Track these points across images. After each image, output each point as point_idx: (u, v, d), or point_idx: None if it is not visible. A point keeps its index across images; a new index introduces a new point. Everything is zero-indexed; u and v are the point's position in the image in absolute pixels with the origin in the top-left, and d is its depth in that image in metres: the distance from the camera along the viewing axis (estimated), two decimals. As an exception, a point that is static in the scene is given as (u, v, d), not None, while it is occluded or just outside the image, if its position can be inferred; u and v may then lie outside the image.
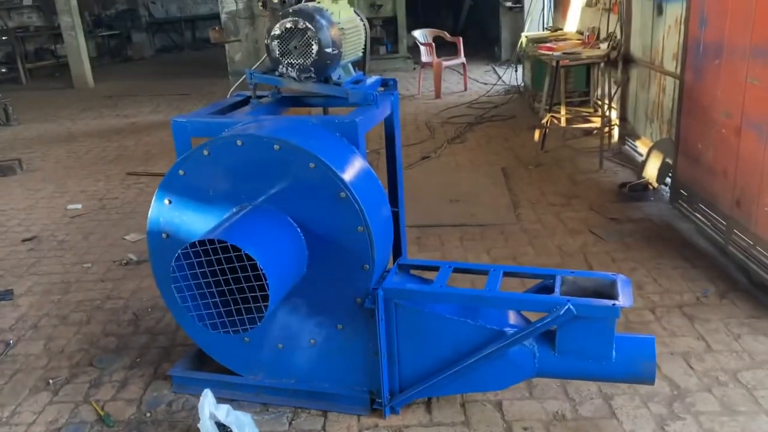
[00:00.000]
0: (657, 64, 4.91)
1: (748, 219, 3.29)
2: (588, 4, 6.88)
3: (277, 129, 2.34)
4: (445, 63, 8.78)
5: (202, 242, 2.05)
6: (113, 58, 15.10)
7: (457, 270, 2.51)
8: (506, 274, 2.44)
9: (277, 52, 2.56)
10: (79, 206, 5.15)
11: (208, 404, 2.28)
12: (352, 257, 2.27)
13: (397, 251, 2.94)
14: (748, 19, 3.22)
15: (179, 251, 2.06)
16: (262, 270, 1.98)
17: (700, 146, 3.81)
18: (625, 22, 5.49)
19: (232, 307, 2.12)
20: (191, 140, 2.53)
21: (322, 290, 2.36)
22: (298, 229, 2.28)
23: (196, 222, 2.37)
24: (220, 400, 2.42)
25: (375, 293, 2.29)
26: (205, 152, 2.32)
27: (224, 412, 2.28)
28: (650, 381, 2.30)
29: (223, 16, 9.49)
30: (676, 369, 2.69)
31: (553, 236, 4.07)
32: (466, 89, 8.89)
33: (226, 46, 9.53)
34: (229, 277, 2.08)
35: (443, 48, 9.19)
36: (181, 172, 2.37)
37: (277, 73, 2.64)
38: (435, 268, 2.51)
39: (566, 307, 2.16)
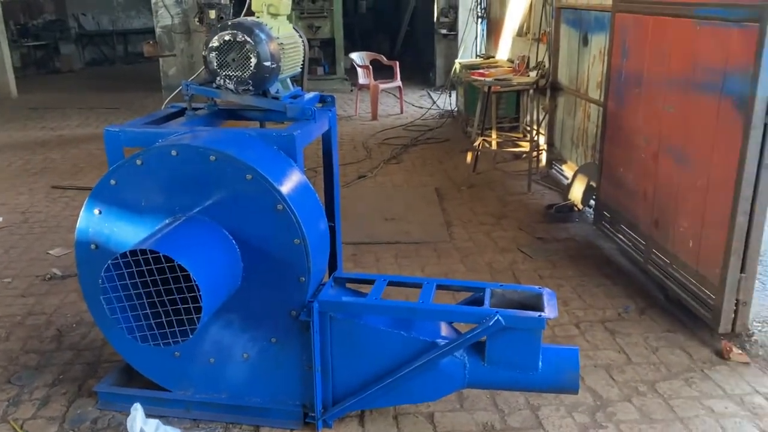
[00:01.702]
0: (582, 92, 5.16)
1: (666, 239, 3.48)
2: (519, 34, 7.17)
3: (214, 140, 2.34)
4: (382, 86, 8.92)
5: (133, 252, 2.01)
6: (39, 69, 14.55)
7: (391, 283, 2.55)
8: (439, 287, 2.50)
9: (215, 64, 2.57)
10: (0, 219, 4.93)
11: (139, 419, 2.22)
12: (288, 270, 2.28)
13: (333, 266, 2.96)
14: (664, 52, 3.45)
15: (109, 262, 2.02)
16: (194, 281, 1.97)
17: (621, 170, 4.02)
18: (553, 52, 5.76)
19: (164, 320, 2.08)
20: (124, 150, 2.49)
21: (256, 303, 2.35)
22: (233, 241, 2.27)
23: (127, 233, 2.33)
24: (148, 416, 2.36)
25: (310, 306, 2.30)
26: (139, 162, 2.29)
27: (153, 427, 2.22)
28: (574, 390, 2.39)
29: (157, 30, 9.37)
30: (598, 380, 2.81)
31: (483, 254, 4.19)
32: (402, 112, 9.04)
33: (160, 60, 9.39)
34: (161, 288, 2.05)
35: (380, 71, 9.34)
36: (112, 182, 2.32)
37: (214, 85, 2.64)
38: (370, 282, 2.55)
39: (495, 318, 2.24)
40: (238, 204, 2.24)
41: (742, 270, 2.97)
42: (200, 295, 1.98)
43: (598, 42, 4.78)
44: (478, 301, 2.46)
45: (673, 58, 3.37)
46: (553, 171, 5.79)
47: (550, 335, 3.15)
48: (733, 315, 3.03)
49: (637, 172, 3.80)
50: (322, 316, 2.32)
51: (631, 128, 3.87)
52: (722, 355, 2.96)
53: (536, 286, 2.49)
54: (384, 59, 9.41)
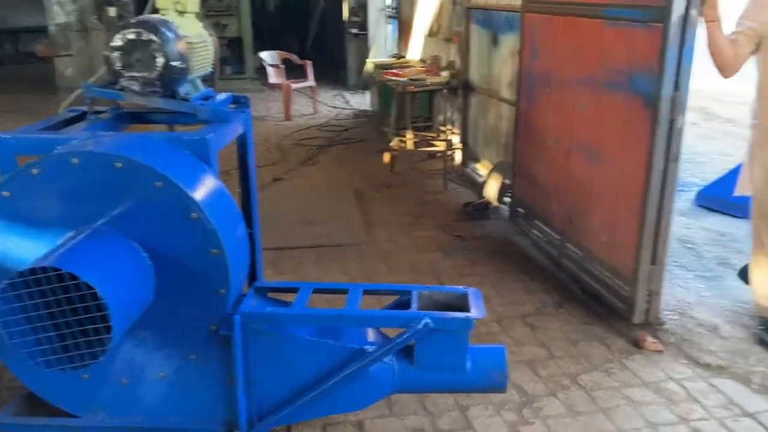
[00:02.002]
0: (494, 92, 5.25)
1: (579, 234, 3.59)
2: (430, 34, 7.24)
3: (119, 145, 2.17)
4: (295, 85, 8.78)
5: (32, 270, 1.83)
6: None
7: (317, 291, 2.47)
8: (366, 292, 2.44)
9: (118, 65, 2.39)
10: None
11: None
12: (205, 282, 2.15)
13: (253, 275, 2.84)
14: (573, 52, 3.54)
15: (5, 282, 1.83)
16: (103, 298, 1.81)
17: (534, 168, 4.11)
18: (465, 52, 5.83)
19: (71, 342, 1.91)
20: (17, 159, 2.28)
21: (172, 318, 2.20)
22: (145, 254, 2.11)
23: (25, 249, 2.12)
24: (54, 446, 2.17)
25: (231, 319, 2.18)
26: (35, 171, 2.08)
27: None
28: (502, 389, 2.40)
29: (51, 28, 8.79)
30: (523, 376, 2.84)
31: (405, 254, 4.17)
32: (315, 112, 8.93)
33: (56, 60, 8.81)
34: (65, 308, 1.88)
35: (290, 71, 9.18)
36: (5, 194, 2.11)
37: (117, 86, 2.46)
38: (294, 290, 2.45)
39: (424, 321, 2.20)
40: (149, 214, 2.09)
41: (653, 261, 3.09)
42: (110, 314, 1.82)
43: (509, 42, 4.88)
44: (405, 304, 2.42)
45: (583, 58, 3.47)
46: (468, 169, 5.87)
47: (473, 333, 3.15)
48: (646, 305, 3.16)
49: (549, 170, 3.90)
50: (245, 329, 2.21)
51: (542, 127, 3.96)
52: (638, 345, 3.07)
53: (462, 287, 2.48)
54: (296, 59, 9.26)
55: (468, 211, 4.83)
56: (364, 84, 9.02)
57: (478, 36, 5.59)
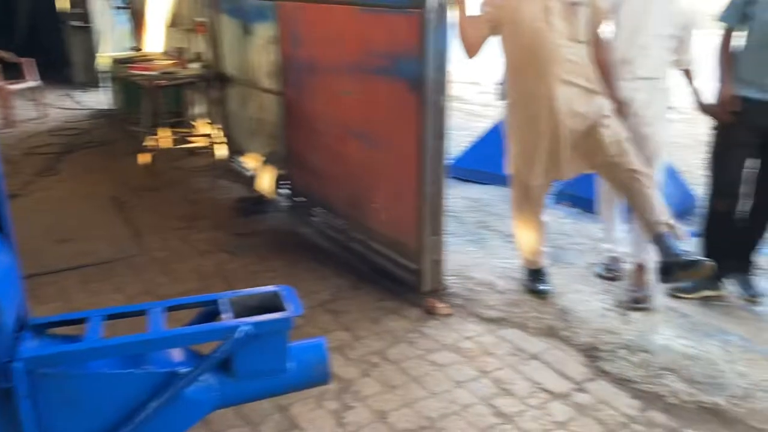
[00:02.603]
0: (254, 82, 5.13)
1: (363, 215, 3.70)
2: (171, 25, 6.81)
3: None
4: (12, 87, 7.63)
5: None
6: None
7: (111, 317, 2.18)
8: (168, 309, 2.22)
9: None
10: None
11: None
12: (-32, 330, 1.76)
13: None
14: (335, 39, 3.60)
15: None
16: None
17: (309, 155, 4.13)
18: (214, 43, 5.60)
19: None
20: None
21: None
22: None
23: None
24: None
25: (10, 368, 1.83)
26: None
27: None
28: (326, 381, 2.38)
29: None
30: (335, 363, 2.83)
31: (185, 261, 3.91)
32: (44, 116, 7.88)
33: None
34: None
35: (5, 71, 7.95)
36: None
37: None
38: (82, 321, 2.13)
39: (242, 329, 2.08)
40: None
41: (434, 233, 3.31)
42: None
43: (263, 31, 4.78)
44: (213, 315, 2.26)
45: (345, 45, 3.54)
46: (235, 164, 5.69)
47: (278, 331, 3.09)
48: (432, 274, 3.38)
49: (326, 156, 3.94)
50: (30, 376, 1.87)
51: (313, 114, 3.98)
52: (431, 312, 3.27)
53: (271, 286, 2.38)
54: (11, 57, 8.04)
55: (244, 206, 4.69)
56: (96, 81, 8.20)
57: (227, 25, 5.40)
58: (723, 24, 3.33)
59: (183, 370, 2.07)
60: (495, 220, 4.50)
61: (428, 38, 2.99)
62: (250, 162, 5.43)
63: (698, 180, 5.47)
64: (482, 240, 4.19)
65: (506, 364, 2.87)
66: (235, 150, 5.74)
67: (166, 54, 6.75)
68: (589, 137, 3.13)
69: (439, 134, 3.18)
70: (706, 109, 3.39)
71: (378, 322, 3.21)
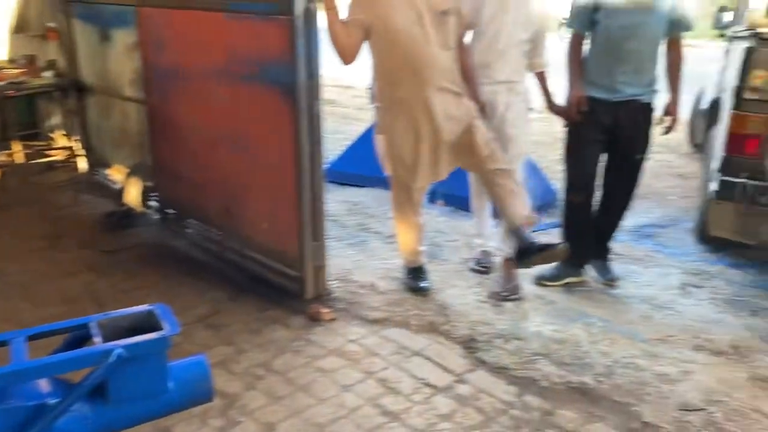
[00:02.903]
0: (116, 91, 4.87)
1: (240, 225, 3.62)
2: (16, 31, 6.30)
3: None
4: None
5: None
6: None
7: (-37, 352, 1.98)
8: (31, 338, 2.06)
9: None
10: None
11: None
12: None
13: None
14: (202, 46, 3.50)
15: None
16: None
17: (180, 165, 3.99)
18: (69, 50, 5.25)
19: None
20: None
21: None
22: None
23: None
24: None
25: None
26: None
27: None
28: (209, 399, 2.31)
29: None
30: (219, 378, 2.76)
31: (49, 283, 3.64)
32: None
33: None
34: None
35: None
36: None
37: None
38: (-73, 359, 1.93)
39: (116, 352, 1.97)
40: None
41: (315, 238, 3.31)
42: None
43: (124, 37, 4.54)
44: (82, 340, 2.13)
45: (213, 52, 3.46)
46: (99, 177, 5.37)
47: (156, 350, 2.96)
48: (314, 280, 3.37)
49: (197, 166, 3.83)
50: None
51: (181, 123, 3.85)
52: (314, 318, 3.27)
53: (145, 305, 2.28)
54: None
55: (111, 221, 4.44)
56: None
57: (83, 32, 5.08)
58: (571, 30, 3.60)
59: (52, 401, 1.94)
60: (374, 222, 4.57)
61: (298, 44, 2.99)
62: (115, 174, 5.14)
63: (557, 174, 5.88)
64: (362, 242, 4.25)
65: (391, 363, 2.93)
66: (99, 162, 5.42)
67: (12, 62, 6.23)
68: (464, 139, 3.28)
69: (315, 139, 3.18)
70: (556, 109, 3.65)
71: (261, 334, 3.16)
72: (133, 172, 4.64)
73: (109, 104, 5.06)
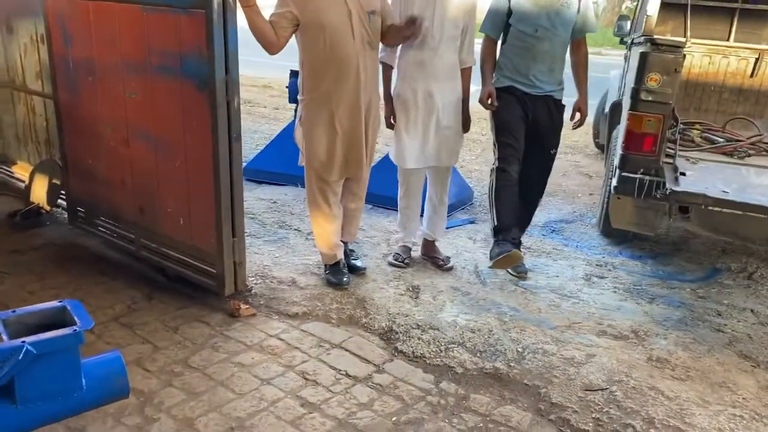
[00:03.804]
0: (20, 84, 4.65)
1: (155, 222, 3.55)
2: None
3: None
4: None
5: None
6: None
7: None
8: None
9: None
10: None
11: None
12: None
13: None
14: (114, 38, 3.41)
15: None
16: None
17: (91, 162, 3.86)
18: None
19: None
20: None
21: None
22: None
23: None
24: None
25: None
26: None
27: None
28: (125, 395, 2.27)
29: None
30: (135, 376, 2.72)
31: (-53, 286, 3.45)
32: None
33: None
34: None
35: None
36: None
37: None
38: None
39: (24, 349, 1.91)
40: None
41: (234, 235, 3.29)
42: None
43: (27, 28, 4.36)
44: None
45: (125, 45, 3.37)
46: (4, 174, 5.10)
47: (67, 351, 2.86)
48: (233, 277, 3.35)
49: (110, 162, 3.72)
50: None
51: (93, 118, 3.73)
52: (234, 314, 3.25)
53: (56, 301, 2.22)
54: None
55: (17, 221, 4.24)
56: None
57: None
58: (484, 33, 3.77)
59: (-48, 404, 1.86)
60: (294, 220, 4.58)
61: (215, 38, 2.96)
62: (21, 172, 4.91)
63: (472, 173, 6.08)
64: (282, 239, 4.25)
65: (311, 356, 2.96)
66: (2, 159, 5.15)
67: None
68: (374, 130, 3.50)
69: (234, 135, 3.16)
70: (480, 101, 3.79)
71: (178, 331, 3.11)
72: (39, 169, 4.45)
73: (12, 99, 4.83)
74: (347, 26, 3.23)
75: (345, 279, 3.61)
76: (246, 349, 2.99)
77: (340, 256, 3.68)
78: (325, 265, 3.68)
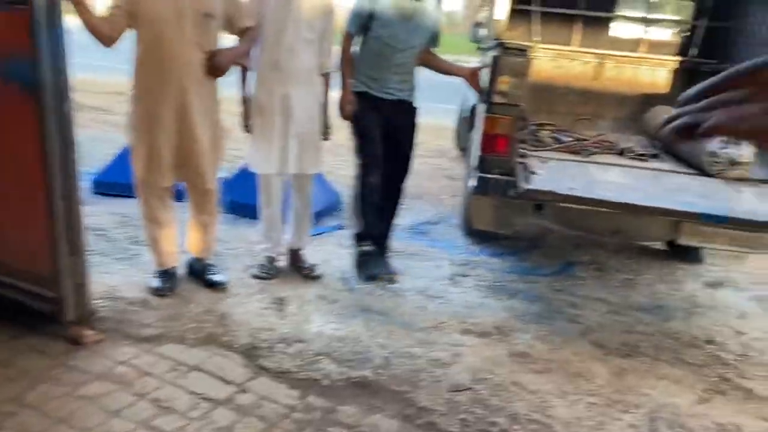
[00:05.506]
0: None
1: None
2: None
3: None
4: None
5: None
6: None
7: None
8: None
9: None
10: None
11: None
12: None
13: None
14: None
15: None
16: None
17: None
18: None
19: None
20: None
21: None
22: None
23: None
24: None
25: None
26: None
27: None
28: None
29: None
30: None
31: None
32: None
33: None
34: None
35: None
36: None
37: None
38: None
39: None
40: None
41: (72, 253, 2.98)
42: None
43: None
44: None
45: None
46: None
47: None
48: (74, 300, 3.04)
49: None
50: None
51: None
52: (77, 342, 2.95)
53: None
54: None
55: None
56: None
57: None
58: (346, 30, 3.75)
59: None
60: (146, 234, 4.27)
61: (40, 38, 2.67)
62: None
63: (339, 180, 6.03)
64: (134, 256, 3.94)
65: (166, 381, 2.73)
66: None
67: None
68: (214, 137, 3.41)
69: (67, 143, 2.86)
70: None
71: (11, 365, 2.76)
72: None
73: None
74: (177, 25, 3.16)
75: (167, 285, 3.47)
76: (92, 379, 2.71)
77: (176, 263, 3.56)
78: (157, 272, 3.51)
